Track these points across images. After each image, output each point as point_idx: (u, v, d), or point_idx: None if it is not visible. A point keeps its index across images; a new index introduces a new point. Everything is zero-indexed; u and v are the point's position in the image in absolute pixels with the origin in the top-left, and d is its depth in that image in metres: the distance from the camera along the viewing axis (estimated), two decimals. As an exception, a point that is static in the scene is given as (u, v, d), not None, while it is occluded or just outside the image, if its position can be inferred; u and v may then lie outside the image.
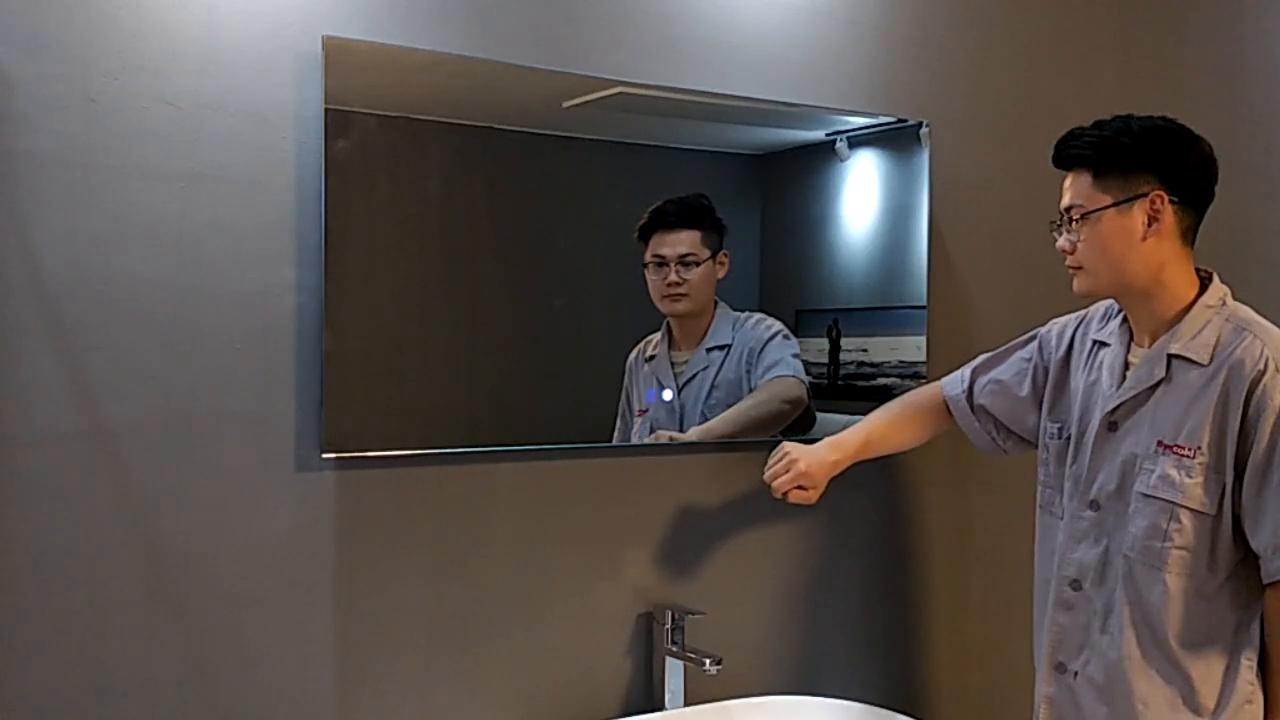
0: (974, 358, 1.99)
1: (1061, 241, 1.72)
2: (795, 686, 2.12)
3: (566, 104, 1.89)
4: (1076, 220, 1.68)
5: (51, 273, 1.54)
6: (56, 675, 1.56)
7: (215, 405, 1.64)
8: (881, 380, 2.19)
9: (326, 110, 1.67)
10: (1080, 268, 1.70)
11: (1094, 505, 1.73)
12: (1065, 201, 1.71)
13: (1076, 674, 1.74)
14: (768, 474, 1.88)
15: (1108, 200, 1.66)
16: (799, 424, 2.10)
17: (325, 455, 1.70)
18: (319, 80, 1.67)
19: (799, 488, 1.87)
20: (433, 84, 1.79)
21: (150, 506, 1.61)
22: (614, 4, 1.92)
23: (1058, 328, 1.90)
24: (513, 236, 1.88)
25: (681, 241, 1.98)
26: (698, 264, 1.99)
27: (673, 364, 2.02)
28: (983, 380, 1.95)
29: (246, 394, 1.66)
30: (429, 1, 1.77)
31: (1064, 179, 1.72)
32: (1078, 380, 1.80)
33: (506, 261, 1.87)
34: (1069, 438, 1.79)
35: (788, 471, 1.85)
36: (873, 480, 2.22)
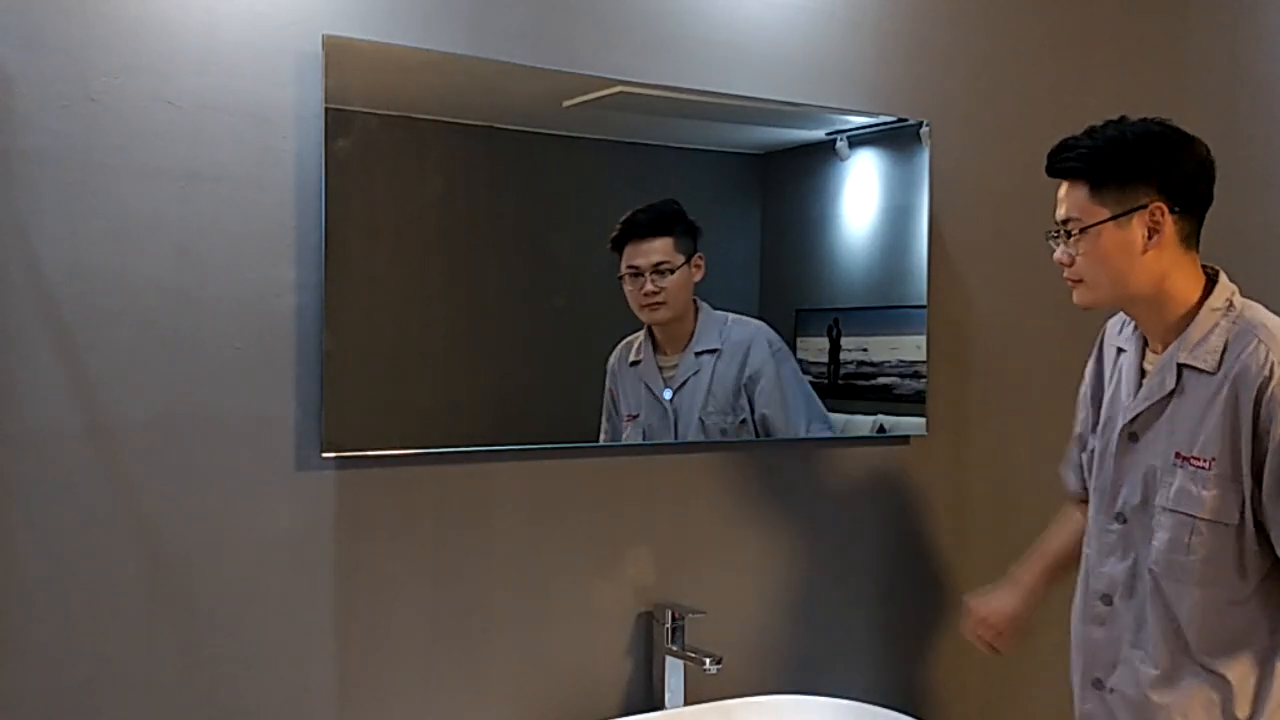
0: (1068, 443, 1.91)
1: (1059, 254, 1.66)
2: (795, 686, 2.12)
3: (566, 104, 1.89)
4: (1074, 234, 1.63)
5: (51, 273, 1.54)
6: (56, 675, 1.56)
7: (215, 405, 1.64)
8: (882, 380, 2.19)
9: (326, 110, 1.67)
10: (1080, 280, 1.65)
11: (1120, 518, 1.70)
12: (1061, 214, 1.65)
13: (1112, 690, 1.70)
14: (971, 635, 1.95)
15: (1106, 214, 1.60)
16: None
17: (325, 455, 1.70)
18: (319, 80, 1.67)
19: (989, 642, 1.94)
20: (433, 83, 1.79)
21: (150, 506, 1.61)
22: (614, 3, 1.92)
23: (1102, 335, 1.84)
24: (513, 236, 1.88)
25: (654, 250, 1.97)
26: (672, 271, 1.98)
27: (660, 369, 2.01)
28: (1084, 456, 1.85)
29: (246, 394, 1.66)
30: (429, 1, 1.77)
31: (1059, 185, 1.66)
32: (1108, 389, 1.77)
33: (506, 261, 1.87)
34: (1093, 449, 1.76)
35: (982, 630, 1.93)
36: (873, 481, 2.23)
